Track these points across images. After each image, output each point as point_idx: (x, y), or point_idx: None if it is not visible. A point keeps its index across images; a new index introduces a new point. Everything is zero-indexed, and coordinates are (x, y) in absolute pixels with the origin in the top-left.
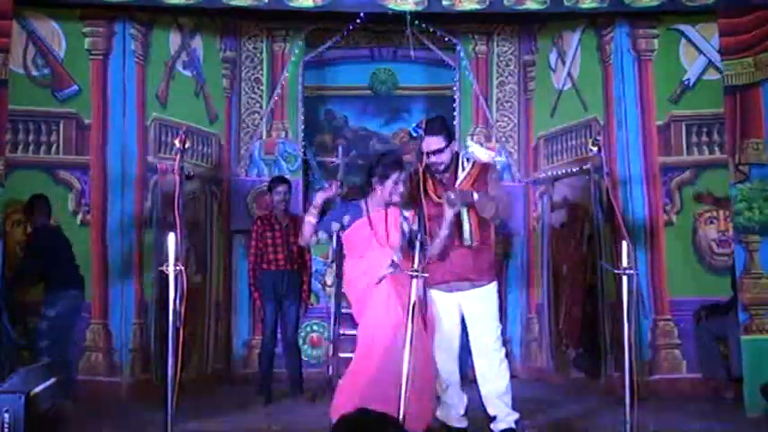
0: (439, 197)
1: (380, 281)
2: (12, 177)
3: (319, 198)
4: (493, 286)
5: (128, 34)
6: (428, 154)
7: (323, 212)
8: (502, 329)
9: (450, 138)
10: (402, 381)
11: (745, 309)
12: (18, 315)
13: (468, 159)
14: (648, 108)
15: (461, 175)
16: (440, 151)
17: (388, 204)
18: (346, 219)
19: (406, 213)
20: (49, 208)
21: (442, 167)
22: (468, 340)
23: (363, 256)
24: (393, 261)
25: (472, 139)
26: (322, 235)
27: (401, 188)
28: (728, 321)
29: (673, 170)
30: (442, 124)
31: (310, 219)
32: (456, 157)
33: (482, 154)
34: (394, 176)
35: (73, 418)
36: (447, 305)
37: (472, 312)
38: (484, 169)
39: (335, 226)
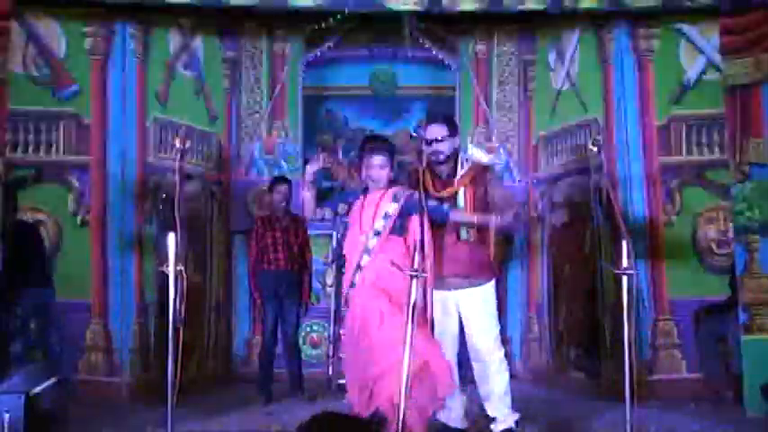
0: (437, 192)
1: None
2: (12, 177)
3: (309, 171)
4: (491, 285)
5: (128, 34)
6: (430, 142)
7: (325, 194)
8: (501, 329)
9: (453, 130)
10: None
11: (745, 309)
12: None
13: (467, 160)
14: (648, 108)
15: (459, 172)
16: (441, 140)
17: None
18: (350, 201)
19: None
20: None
21: (441, 157)
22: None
23: (353, 226)
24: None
25: (472, 142)
26: (328, 213)
27: (374, 172)
28: (728, 321)
29: (673, 170)
30: (446, 116)
31: (306, 193)
32: (457, 154)
33: (482, 156)
34: (366, 159)
35: (73, 418)
36: (445, 304)
37: (470, 312)
38: (482, 170)
39: (342, 206)
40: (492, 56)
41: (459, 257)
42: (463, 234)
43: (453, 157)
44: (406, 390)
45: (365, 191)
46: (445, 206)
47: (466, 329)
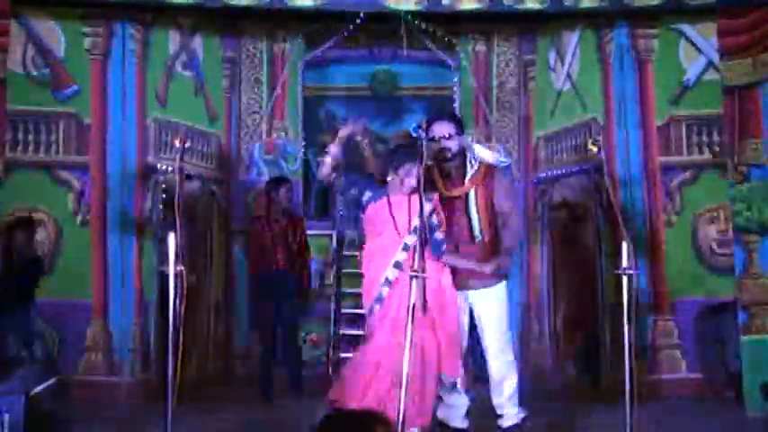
0: (448, 191)
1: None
2: (12, 177)
3: (344, 131)
4: (503, 285)
5: (128, 34)
6: (437, 140)
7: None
8: None
9: (460, 128)
10: (401, 380)
11: (744, 309)
12: None
13: (475, 159)
14: (648, 108)
15: (469, 173)
16: (449, 138)
17: (409, 192)
18: (367, 194)
19: (428, 205)
20: (32, 233)
21: (449, 155)
22: (474, 340)
23: (381, 234)
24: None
25: (473, 141)
26: (338, 185)
27: (412, 181)
28: (728, 321)
29: (673, 170)
30: (452, 113)
31: (329, 155)
32: (464, 152)
33: (487, 155)
34: (405, 167)
35: (73, 418)
36: (459, 301)
37: (483, 313)
38: (490, 171)
39: (354, 190)
40: (492, 56)
41: (472, 257)
42: (477, 234)
43: (460, 155)
44: (406, 391)
45: (380, 195)
46: (443, 247)
47: (479, 329)
